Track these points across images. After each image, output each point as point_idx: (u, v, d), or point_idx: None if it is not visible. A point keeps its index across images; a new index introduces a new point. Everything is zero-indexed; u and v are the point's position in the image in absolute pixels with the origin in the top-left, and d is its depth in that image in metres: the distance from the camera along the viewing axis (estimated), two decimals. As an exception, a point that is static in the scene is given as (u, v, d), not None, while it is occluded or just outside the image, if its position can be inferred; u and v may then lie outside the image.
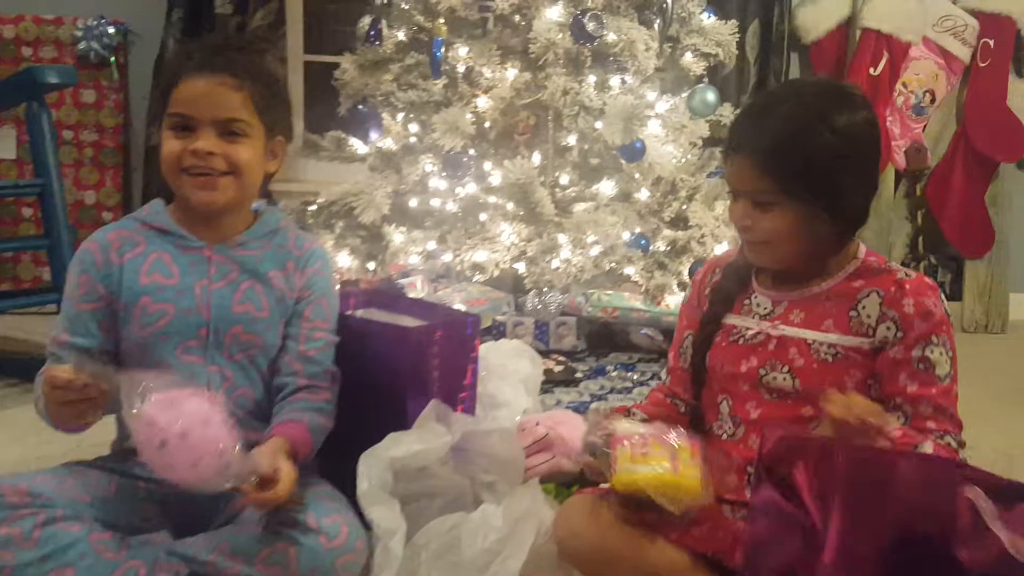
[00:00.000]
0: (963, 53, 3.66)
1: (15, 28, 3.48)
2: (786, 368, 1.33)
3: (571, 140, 2.52)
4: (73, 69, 2.60)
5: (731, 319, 1.42)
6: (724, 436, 1.40)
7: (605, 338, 2.67)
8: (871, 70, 3.62)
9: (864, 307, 1.32)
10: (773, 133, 1.28)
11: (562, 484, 1.90)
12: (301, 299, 1.58)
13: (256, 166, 1.50)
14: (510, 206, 2.40)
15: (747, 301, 1.41)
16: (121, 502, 1.44)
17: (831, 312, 1.34)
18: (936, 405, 1.29)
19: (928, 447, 1.25)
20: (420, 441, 1.64)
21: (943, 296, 1.35)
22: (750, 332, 1.38)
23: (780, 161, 1.27)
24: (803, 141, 1.27)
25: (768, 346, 1.36)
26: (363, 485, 1.54)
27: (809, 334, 1.33)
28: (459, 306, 2.40)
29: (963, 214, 3.76)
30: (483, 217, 2.48)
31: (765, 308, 1.39)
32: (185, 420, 1.26)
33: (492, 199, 2.46)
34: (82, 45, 3.45)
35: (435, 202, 2.53)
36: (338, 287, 1.81)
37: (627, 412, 1.49)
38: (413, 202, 2.55)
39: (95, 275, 1.49)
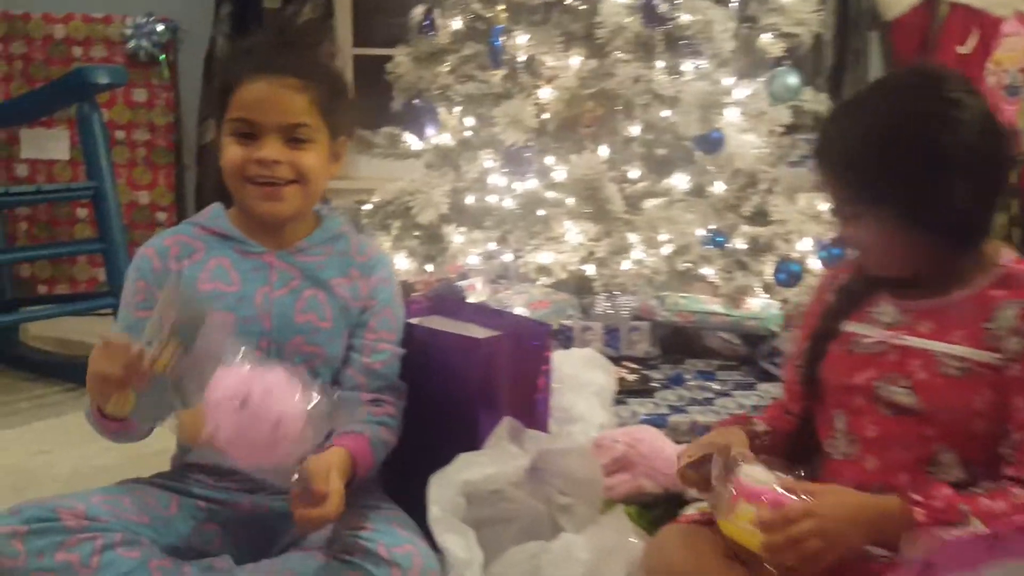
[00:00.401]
0: (1061, 27, 3.44)
1: (65, 27, 3.48)
2: (907, 382, 1.21)
3: (639, 131, 2.39)
4: (123, 69, 2.57)
5: (851, 326, 1.30)
6: (837, 455, 1.29)
7: (679, 343, 2.53)
8: (959, 48, 3.43)
9: (1001, 319, 1.18)
10: (844, 143, 1.21)
11: (643, 506, 1.80)
12: (366, 309, 1.51)
13: (322, 171, 1.45)
14: (573, 203, 2.28)
15: (872, 309, 1.29)
16: (181, 523, 1.40)
17: (963, 323, 1.20)
18: None
19: (975, 526, 1.09)
20: (494, 463, 1.55)
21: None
22: (868, 340, 1.26)
23: (852, 172, 1.19)
24: (877, 151, 1.17)
25: (888, 357, 1.24)
26: (434, 510, 1.47)
27: (935, 345, 1.21)
28: (520, 309, 2.30)
29: (1060, 202, 3.53)
30: (544, 214, 2.37)
31: (890, 317, 1.27)
32: (271, 378, 1.20)
33: (556, 196, 2.34)
34: (132, 43, 3.44)
35: (495, 200, 2.43)
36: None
37: (747, 421, 1.40)
38: (472, 200, 2.45)
39: (152, 282, 1.45)
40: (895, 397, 1.22)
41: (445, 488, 1.50)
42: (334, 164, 1.49)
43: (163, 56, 3.47)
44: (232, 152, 1.41)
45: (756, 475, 1.19)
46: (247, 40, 1.52)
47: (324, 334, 1.46)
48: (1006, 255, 1.25)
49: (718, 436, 1.31)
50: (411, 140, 2.57)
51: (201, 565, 1.34)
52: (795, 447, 1.36)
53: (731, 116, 2.32)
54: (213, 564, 1.36)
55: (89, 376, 1.23)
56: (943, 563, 1.01)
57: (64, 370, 2.76)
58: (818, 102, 2.65)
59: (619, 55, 2.25)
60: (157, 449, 1.54)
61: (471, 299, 2.32)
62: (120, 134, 3.51)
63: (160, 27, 3.44)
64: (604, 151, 2.31)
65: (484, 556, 1.46)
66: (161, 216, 3.58)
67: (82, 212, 3.56)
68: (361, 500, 1.44)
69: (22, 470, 2.10)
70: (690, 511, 1.73)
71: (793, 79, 2.50)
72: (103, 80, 2.46)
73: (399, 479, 1.57)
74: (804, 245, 2.38)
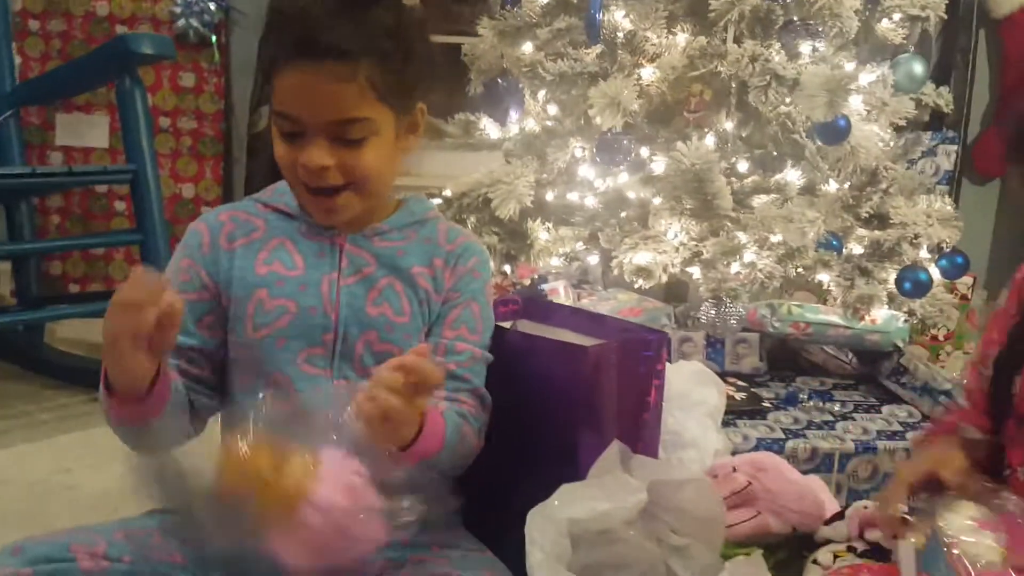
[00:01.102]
0: None
1: (108, 4, 3.26)
2: None
3: (750, 120, 2.12)
4: (170, 40, 2.34)
5: None
6: None
7: (786, 358, 2.27)
8: (1076, 49, 3.15)
9: None
10: None
11: (766, 548, 1.53)
12: (447, 301, 1.28)
13: (385, 164, 1.20)
14: (674, 197, 2.01)
15: None
16: (223, 564, 1.13)
17: None
18: None
19: None
20: (606, 497, 1.30)
21: None
22: None
23: None
24: None
25: None
26: (536, 556, 1.22)
27: None
28: (607, 318, 2.04)
29: None
30: (640, 209, 2.10)
31: None
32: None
33: (655, 189, 2.08)
34: (180, 23, 3.22)
35: (585, 193, 2.17)
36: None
37: (957, 429, 1.22)
38: (560, 194, 2.19)
39: (199, 260, 1.24)
40: None
41: (548, 528, 1.25)
42: (409, 139, 1.24)
43: (214, 38, 3.25)
44: (279, 151, 1.18)
45: (980, 552, 0.98)
46: (285, 5, 1.19)
47: (400, 330, 1.24)
48: None
49: (932, 459, 1.14)
50: (489, 128, 2.31)
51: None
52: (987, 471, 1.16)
53: (855, 104, 2.04)
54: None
55: (109, 313, 1.01)
56: None
57: (93, 377, 2.49)
58: (939, 96, 2.37)
59: (732, 32, 1.98)
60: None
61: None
62: (164, 121, 3.31)
63: (212, 6, 3.22)
64: (710, 140, 2.04)
65: (593, 610, 1.21)
66: (206, 211, 3.35)
67: (120, 205, 3.36)
68: (440, 539, 1.21)
69: (40, 490, 1.89)
70: (824, 555, 1.48)
71: (919, 67, 2.24)
72: (148, 50, 2.24)
73: (484, 513, 1.33)
74: (924, 253, 2.10)
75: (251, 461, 0.94)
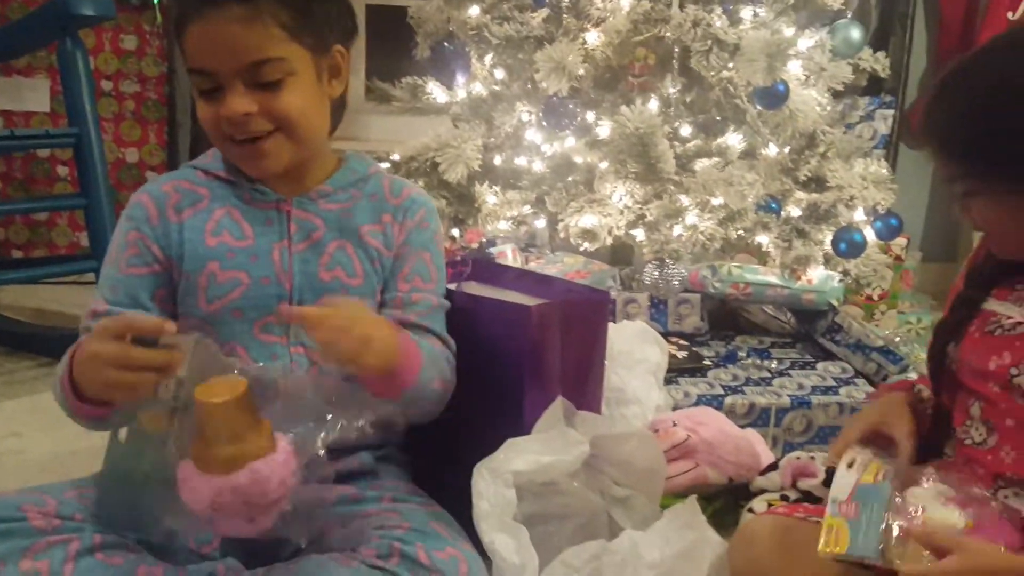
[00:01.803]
0: (1124, -9, 3.23)
1: (47, -35, 3.19)
2: None
3: (692, 84, 2.16)
4: (110, 0, 2.29)
5: (993, 304, 1.16)
6: (970, 443, 1.16)
7: (726, 318, 2.33)
8: (1009, 14, 3.22)
9: None
10: (946, 116, 1.09)
11: (705, 498, 1.60)
12: (399, 256, 1.30)
13: (311, 105, 1.21)
14: (619, 161, 2.04)
15: (1020, 286, 1.15)
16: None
17: None
18: None
19: None
20: (549, 451, 1.35)
21: None
22: (1009, 321, 1.13)
23: (957, 147, 1.08)
24: (984, 122, 1.06)
25: None
26: (482, 506, 1.28)
27: None
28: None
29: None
30: (587, 173, 2.14)
31: None
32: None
33: (600, 153, 2.11)
34: (121, -17, 3.15)
35: (532, 157, 2.20)
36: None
37: (911, 387, 1.28)
38: (507, 157, 2.22)
39: (148, 233, 1.24)
40: None
41: (493, 479, 1.30)
42: (334, 83, 1.25)
43: (156, -1, 3.20)
44: (202, 112, 1.19)
45: (943, 519, 1.03)
46: None
47: (355, 293, 1.27)
48: None
49: (880, 412, 1.20)
50: (436, 92, 2.32)
51: (200, 571, 1.12)
52: (931, 431, 1.22)
53: (793, 69, 2.09)
54: (216, 572, 1.13)
55: (96, 377, 1.03)
56: None
57: (39, 343, 2.50)
58: (875, 61, 2.43)
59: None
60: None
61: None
62: (107, 84, 3.25)
63: (153, -35, 3.16)
64: (654, 105, 2.08)
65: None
66: (151, 176, 3.32)
67: (63, 171, 3.31)
68: (389, 493, 1.25)
69: (-11, 456, 1.87)
70: (759, 504, 1.56)
71: (856, 33, 2.28)
72: (87, 11, 2.21)
73: (433, 468, 1.38)
74: (858, 215, 2.17)
75: (238, 399, 0.96)
